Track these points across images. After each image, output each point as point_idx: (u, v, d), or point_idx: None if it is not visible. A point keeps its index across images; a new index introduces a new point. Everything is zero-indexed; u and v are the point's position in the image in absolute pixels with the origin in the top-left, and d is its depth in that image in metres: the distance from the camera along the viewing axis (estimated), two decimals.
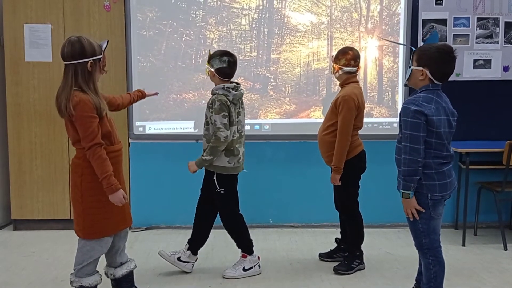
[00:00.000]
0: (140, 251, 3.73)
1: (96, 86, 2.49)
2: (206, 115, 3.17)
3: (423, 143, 2.39)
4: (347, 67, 3.27)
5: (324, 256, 3.60)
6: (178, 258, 3.33)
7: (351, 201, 3.38)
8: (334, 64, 3.31)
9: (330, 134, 3.28)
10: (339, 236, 3.60)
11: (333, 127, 3.27)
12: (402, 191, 2.44)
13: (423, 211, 2.46)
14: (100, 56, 2.47)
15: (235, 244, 3.32)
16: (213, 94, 3.16)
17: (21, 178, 4.23)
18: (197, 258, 3.37)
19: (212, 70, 3.14)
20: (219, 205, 3.25)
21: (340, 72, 3.29)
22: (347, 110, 3.19)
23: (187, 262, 3.33)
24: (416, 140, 2.38)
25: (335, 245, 3.61)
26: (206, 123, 3.17)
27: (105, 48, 2.51)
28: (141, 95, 3.15)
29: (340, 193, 3.40)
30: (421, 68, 2.45)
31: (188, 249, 3.34)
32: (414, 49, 2.58)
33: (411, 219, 2.50)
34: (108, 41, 2.59)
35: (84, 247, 2.52)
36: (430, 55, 2.43)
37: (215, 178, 3.17)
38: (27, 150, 4.20)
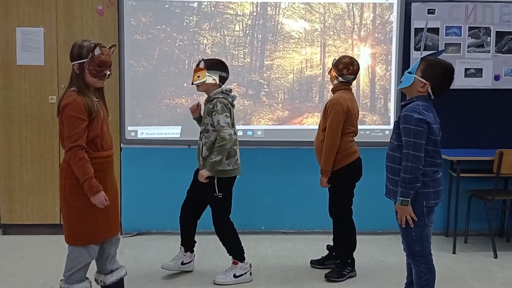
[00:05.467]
0: (130, 257, 3.71)
1: (90, 90, 2.48)
2: (205, 123, 3.17)
3: (423, 150, 2.41)
4: (346, 77, 3.30)
5: (315, 263, 3.60)
6: (182, 263, 3.38)
7: (345, 208, 3.38)
8: (335, 70, 3.32)
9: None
10: (331, 243, 3.60)
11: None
12: (401, 198, 2.44)
13: (416, 219, 2.47)
14: (84, 60, 2.44)
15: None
16: (212, 99, 3.16)
17: (11, 182, 4.19)
18: (194, 254, 3.44)
19: (216, 78, 3.16)
20: (214, 210, 3.25)
21: (341, 78, 3.31)
22: (334, 113, 3.22)
23: (189, 262, 3.41)
24: (419, 148, 2.40)
25: (327, 252, 3.61)
26: (206, 131, 3.17)
27: (98, 53, 2.46)
28: None
29: (333, 200, 3.40)
30: (424, 81, 2.47)
31: (186, 251, 3.39)
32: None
33: (404, 226, 2.51)
34: (110, 46, 2.58)
35: (72, 253, 2.50)
36: (437, 72, 2.47)
37: (215, 182, 3.17)
38: (17, 154, 4.17)
